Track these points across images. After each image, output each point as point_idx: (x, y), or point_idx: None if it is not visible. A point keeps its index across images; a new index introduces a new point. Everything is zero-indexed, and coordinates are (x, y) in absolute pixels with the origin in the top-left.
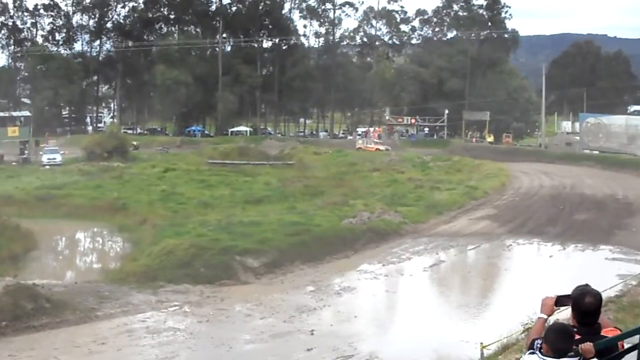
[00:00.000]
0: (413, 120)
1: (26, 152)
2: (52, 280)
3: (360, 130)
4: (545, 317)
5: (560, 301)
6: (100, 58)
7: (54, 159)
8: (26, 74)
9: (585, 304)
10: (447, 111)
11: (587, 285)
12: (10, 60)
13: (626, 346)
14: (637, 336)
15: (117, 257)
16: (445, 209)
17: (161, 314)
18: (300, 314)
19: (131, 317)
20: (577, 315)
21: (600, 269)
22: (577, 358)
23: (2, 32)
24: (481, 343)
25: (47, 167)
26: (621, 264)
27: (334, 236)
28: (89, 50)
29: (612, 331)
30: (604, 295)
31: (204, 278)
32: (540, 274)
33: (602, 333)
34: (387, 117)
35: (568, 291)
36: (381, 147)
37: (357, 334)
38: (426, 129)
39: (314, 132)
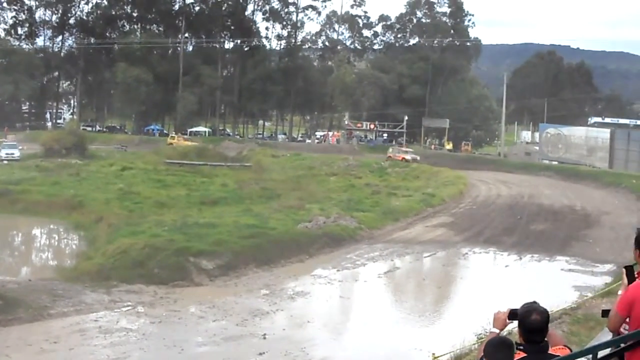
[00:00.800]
0: (372, 126)
1: None
2: (5, 276)
3: (319, 133)
4: (498, 331)
5: (513, 315)
6: (62, 54)
7: (12, 154)
8: None
9: (531, 321)
10: (406, 117)
11: (534, 302)
12: None
13: None
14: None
15: (72, 255)
16: (401, 215)
17: (114, 313)
18: (253, 317)
19: (84, 316)
20: (524, 333)
21: (556, 280)
22: None
23: None
24: (433, 354)
25: (5, 162)
26: (577, 275)
27: (289, 240)
28: (50, 45)
29: (562, 350)
30: (558, 308)
31: (158, 279)
32: (496, 284)
33: (551, 351)
34: (346, 122)
35: (521, 305)
36: (407, 157)
37: (310, 339)
38: (385, 135)
39: (273, 135)
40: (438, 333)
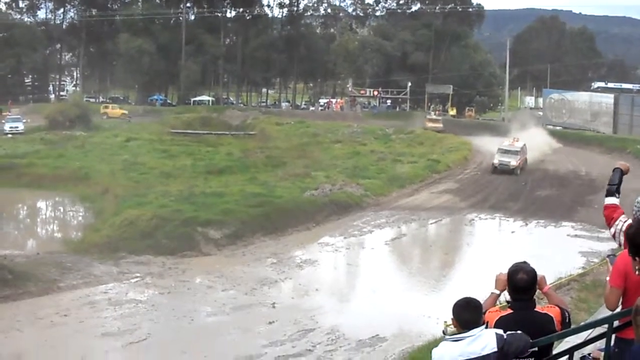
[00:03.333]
0: (376, 92)
1: None
2: (14, 250)
3: (322, 101)
4: (498, 292)
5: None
6: (64, 26)
7: (17, 127)
8: None
9: (518, 279)
10: (410, 84)
11: (524, 262)
12: None
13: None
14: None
15: (79, 228)
16: (407, 182)
17: (123, 285)
18: (261, 286)
19: (93, 288)
20: (511, 291)
21: (563, 246)
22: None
23: None
24: (445, 321)
25: (9, 135)
26: (583, 241)
27: (296, 208)
28: (52, 18)
29: (551, 308)
30: (567, 274)
31: (166, 249)
32: (502, 250)
33: (538, 309)
34: (349, 89)
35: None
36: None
37: (319, 307)
38: (389, 102)
39: (277, 103)
40: (446, 299)
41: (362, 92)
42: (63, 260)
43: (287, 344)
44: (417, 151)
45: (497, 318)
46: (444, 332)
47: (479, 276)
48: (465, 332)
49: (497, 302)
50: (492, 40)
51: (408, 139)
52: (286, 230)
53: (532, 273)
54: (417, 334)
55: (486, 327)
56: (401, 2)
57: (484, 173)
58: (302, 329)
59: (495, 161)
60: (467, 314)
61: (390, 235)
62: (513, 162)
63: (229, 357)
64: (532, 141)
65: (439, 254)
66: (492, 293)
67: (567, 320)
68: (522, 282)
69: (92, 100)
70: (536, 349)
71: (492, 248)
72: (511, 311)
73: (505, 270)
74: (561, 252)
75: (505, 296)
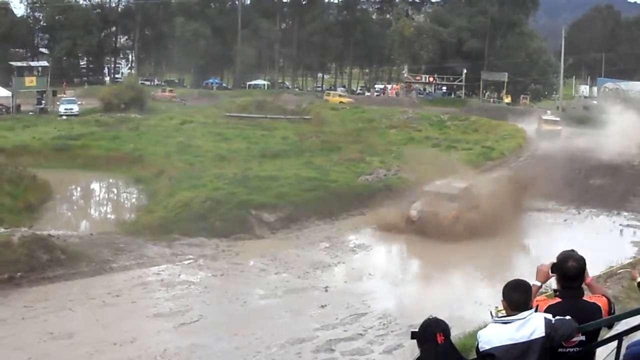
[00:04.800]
0: (431, 79)
1: (43, 102)
2: (67, 231)
3: (378, 86)
4: (540, 284)
5: (555, 268)
6: (119, 9)
7: (71, 109)
8: (45, 24)
9: (568, 267)
10: (465, 71)
11: (572, 250)
12: (29, 10)
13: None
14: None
15: (132, 209)
16: (461, 168)
17: (176, 267)
18: (314, 270)
19: (146, 269)
20: (560, 279)
21: (615, 235)
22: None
23: None
24: (496, 307)
25: (64, 117)
26: (636, 230)
27: (350, 192)
28: (108, 0)
29: (598, 298)
30: (618, 263)
31: (220, 232)
32: (555, 238)
33: (586, 298)
34: (405, 75)
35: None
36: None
37: (371, 291)
38: (444, 88)
39: (332, 88)
40: (498, 287)
41: (417, 78)
42: (116, 241)
43: (339, 327)
44: (472, 138)
45: (545, 307)
46: (492, 314)
47: (531, 263)
48: (515, 314)
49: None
50: (547, 29)
51: (463, 125)
52: (340, 214)
53: (582, 261)
54: (468, 320)
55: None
56: None
57: (539, 161)
58: (354, 313)
59: (542, 128)
60: (517, 295)
61: None
62: (558, 127)
63: (281, 340)
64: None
65: (492, 241)
66: (533, 285)
67: (612, 311)
68: (572, 270)
69: (147, 83)
70: (583, 337)
71: (544, 236)
72: (560, 300)
73: (547, 262)
74: (613, 241)
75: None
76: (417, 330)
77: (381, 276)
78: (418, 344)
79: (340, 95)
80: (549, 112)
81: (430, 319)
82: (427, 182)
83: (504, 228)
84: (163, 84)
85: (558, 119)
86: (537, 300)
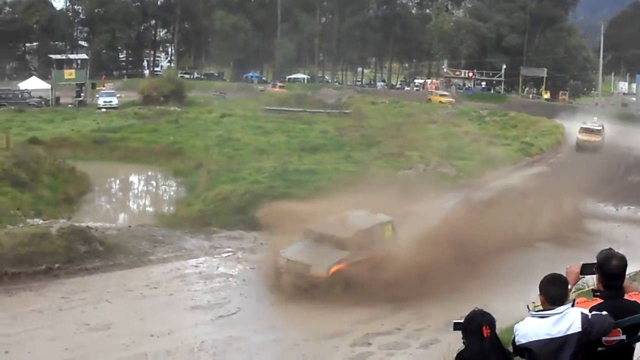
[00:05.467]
0: (470, 74)
1: (82, 94)
2: (106, 223)
3: (417, 81)
4: (570, 286)
5: (585, 269)
6: (159, 2)
7: (111, 102)
8: (84, 17)
9: (612, 266)
10: (504, 66)
11: (610, 249)
12: (68, 3)
13: None
14: None
15: (171, 202)
16: (500, 164)
17: (214, 259)
18: None
19: (184, 262)
20: (603, 279)
21: None
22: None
23: None
24: (533, 302)
25: (103, 110)
26: None
27: (390, 187)
28: None
29: (637, 295)
30: None
31: (258, 225)
32: (592, 235)
33: (626, 297)
34: (444, 70)
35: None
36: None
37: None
38: (483, 83)
39: (372, 82)
40: (532, 282)
41: (457, 73)
42: (154, 233)
43: (376, 321)
44: (511, 134)
45: (588, 309)
46: (528, 308)
47: (568, 261)
48: (552, 308)
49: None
50: (586, 25)
51: (502, 121)
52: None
53: (624, 259)
54: (505, 315)
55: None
56: None
57: (577, 157)
58: (392, 308)
59: (579, 139)
60: (554, 290)
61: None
62: (597, 138)
63: (318, 333)
64: None
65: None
66: None
67: None
68: (616, 269)
69: (187, 76)
70: (624, 337)
71: (581, 233)
72: (601, 300)
73: (574, 263)
74: None
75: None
76: (461, 321)
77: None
78: (463, 336)
79: (441, 95)
80: (595, 118)
81: (476, 311)
82: (324, 216)
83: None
84: (203, 77)
85: (600, 127)
86: (578, 302)
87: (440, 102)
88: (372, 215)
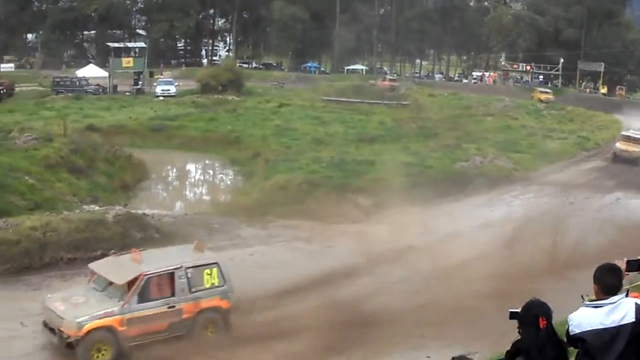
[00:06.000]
0: (528, 67)
1: (140, 83)
2: (162, 210)
3: (475, 73)
4: None
5: (630, 266)
6: None
7: (168, 90)
8: (142, 5)
9: None
10: (562, 60)
11: None
12: None
13: None
14: None
15: (228, 190)
16: (556, 158)
17: (270, 248)
18: (407, 255)
19: (240, 250)
20: None
21: None
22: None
23: None
24: (587, 295)
25: (161, 98)
26: None
27: (446, 179)
28: None
29: None
30: None
31: (315, 214)
32: None
33: None
34: (502, 63)
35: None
36: None
37: (466, 276)
38: (540, 77)
39: (430, 74)
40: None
41: (514, 66)
42: (211, 221)
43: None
44: (567, 128)
45: None
46: (582, 298)
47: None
48: (606, 298)
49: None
50: None
51: (559, 115)
52: (435, 200)
53: None
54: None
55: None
56: None
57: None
58: (443, 295)
59: (618, 148)
60: (609, 279)
61: (538, 211)
62: (638, 149)
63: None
64: None
65: (585, 232)
66: None
67: None
68: None
69: (245, 65)
70: None
71: (636, 229)
72: None
73: (619, 259)
74: None
75: None
76: (517, 311)
77: (476, 262)
78: (519, 326)
79: (541, 92)
80: (630, 132)
81: (533, 301)
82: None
83: None
84: (261, 67)
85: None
86: (631, 295)
87: (539, 99)
88: (189, 253)
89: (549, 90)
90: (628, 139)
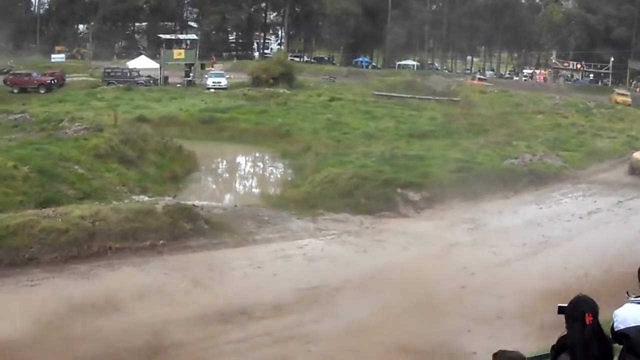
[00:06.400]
0: (579, 66)
1: (191, 74)
2: (211, 202)
3: (526, 71)
4: None
5: None
6: None
7: (219, 82)
8: None
9: None
10: (612, 59)
11: None
12: None
13: None
14: None
15: (278, 183)
16: (606, 156)
17: (319, 241)
18: (457, 250)
19: (289, 242)
20: None
21: None
22: None
23: None
24: (629, 291)
25: (212, 90)
26: None
27: (495, 175)
28: None
29: None
30: None
31: (364, 209)
32: None
33: None
34: (553, 61)
35: None
36: None
37: (512, 274)
38: (591, 75)
39: (481, 71)
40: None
41: (565, 64)
42: (260, 214)
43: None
44: (617, 126)
45: None
46: (627, 294)
47: None
48: None
49: None
50: None
51: (609, 114)
52: (484, 196)
53: None
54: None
55: None
56: None
57: None
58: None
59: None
60: None
61: (588, 209)
62: None
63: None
64: None
65: (631, 230)
66: None
67: None
68: None
69: (297, 59)
70: None
71: None
72: None
73: None
74: None
75: None
76: (565, 305)
77: (522, 262)
78: (566, 321)
79: (618, 94)
80: None
81: (580, 297)
82: None
83: None
84: (312, 60)
85: None
86: None
87: (616, 101)
88: None
89: (627, 93)
90: None
